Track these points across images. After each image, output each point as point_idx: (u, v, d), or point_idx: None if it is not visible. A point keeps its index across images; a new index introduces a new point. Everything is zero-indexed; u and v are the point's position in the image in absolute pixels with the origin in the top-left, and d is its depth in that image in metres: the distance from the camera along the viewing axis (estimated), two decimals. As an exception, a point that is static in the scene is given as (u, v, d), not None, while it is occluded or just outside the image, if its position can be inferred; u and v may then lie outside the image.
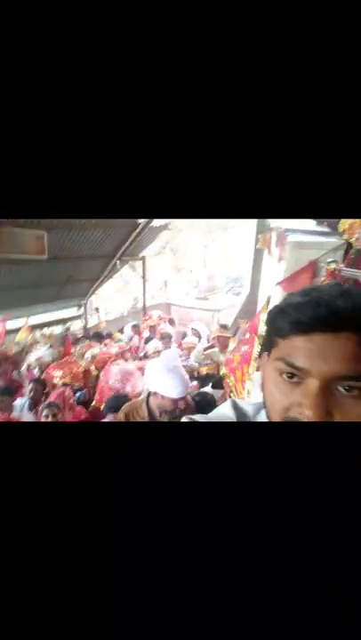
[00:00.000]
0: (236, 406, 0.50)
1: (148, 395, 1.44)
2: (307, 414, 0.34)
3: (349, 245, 2.23)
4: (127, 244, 5.58)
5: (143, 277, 6.27)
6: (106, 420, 1.58)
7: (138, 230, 5.42)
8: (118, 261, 5.93)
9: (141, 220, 5.20)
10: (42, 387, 2.38)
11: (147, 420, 1.38)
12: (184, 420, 0.49)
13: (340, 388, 0.34)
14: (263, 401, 0.42)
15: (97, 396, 2.26)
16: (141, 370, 2.21)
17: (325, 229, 2.70)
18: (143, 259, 6.29)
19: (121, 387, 2.09)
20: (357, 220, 2.03)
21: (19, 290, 4.62)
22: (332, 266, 1.98)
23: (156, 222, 5.59)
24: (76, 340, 5.04)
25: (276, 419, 0.38)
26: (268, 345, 0.41)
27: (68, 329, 6.61)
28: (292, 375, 0.36)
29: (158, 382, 1.33)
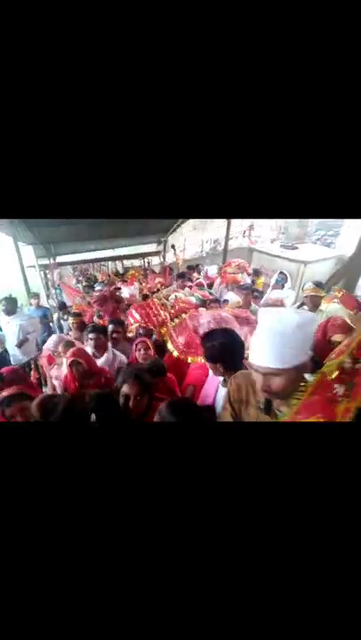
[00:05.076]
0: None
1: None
2: None
3: None
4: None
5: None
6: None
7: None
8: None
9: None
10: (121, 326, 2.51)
11: (259, 399, 0.91)
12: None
13: None
14: None
15: (183, 347, 1.70)
16: (238, 319, 1.71)
17: None
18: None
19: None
20: None
21: (107, 223, 4.74)
22: None
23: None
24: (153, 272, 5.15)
25: None
26: None
27: (148, 262, 6.79)
28: None
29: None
